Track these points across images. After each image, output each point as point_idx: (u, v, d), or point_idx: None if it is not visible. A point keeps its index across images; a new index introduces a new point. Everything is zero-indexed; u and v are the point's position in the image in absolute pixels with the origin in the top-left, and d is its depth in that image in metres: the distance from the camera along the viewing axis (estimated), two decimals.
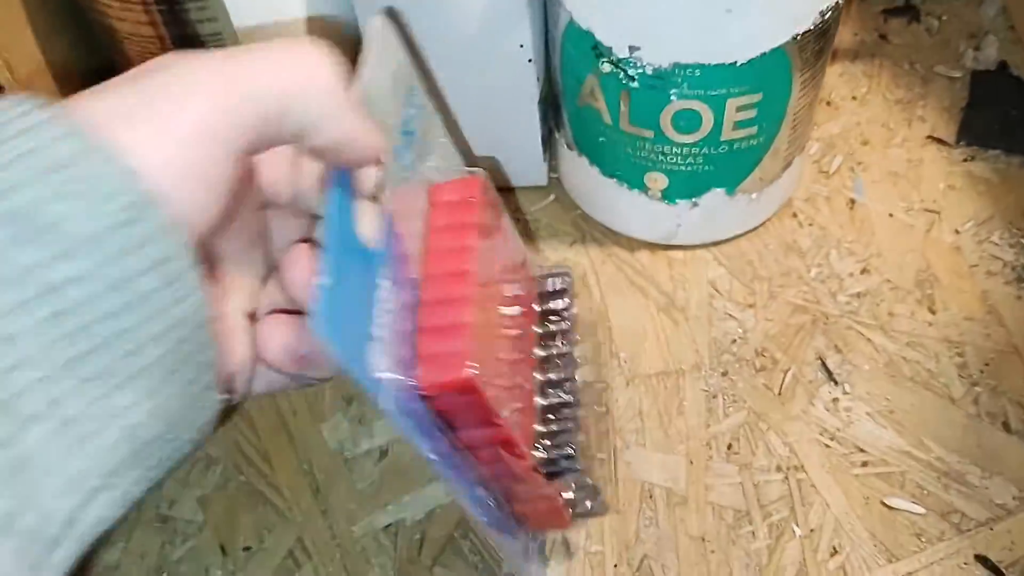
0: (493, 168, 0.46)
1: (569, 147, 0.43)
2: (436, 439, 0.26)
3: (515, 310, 0.31)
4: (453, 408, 0.26)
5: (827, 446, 0.38)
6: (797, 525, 0.36)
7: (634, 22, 0.35)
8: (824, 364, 0.40)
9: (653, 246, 0.44)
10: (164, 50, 0.31)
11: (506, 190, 0.47)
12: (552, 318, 0.34)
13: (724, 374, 0.40)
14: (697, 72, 0.35)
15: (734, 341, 0.41)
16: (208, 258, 0.24)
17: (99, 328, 0.17)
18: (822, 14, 0.35)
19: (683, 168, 0.39)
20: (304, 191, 0.25)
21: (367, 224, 0.24)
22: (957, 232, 0.44)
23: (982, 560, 0.35)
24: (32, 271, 0.16)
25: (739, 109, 0.37)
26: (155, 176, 0.18)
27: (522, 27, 0.39)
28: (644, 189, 0.41)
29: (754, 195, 0.41)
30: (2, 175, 0.16)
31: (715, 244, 0.44)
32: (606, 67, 0.36)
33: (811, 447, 0.38)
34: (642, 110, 0.37)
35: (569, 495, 0.31)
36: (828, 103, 0.49)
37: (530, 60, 0.40)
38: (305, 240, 0.25)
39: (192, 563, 0.37)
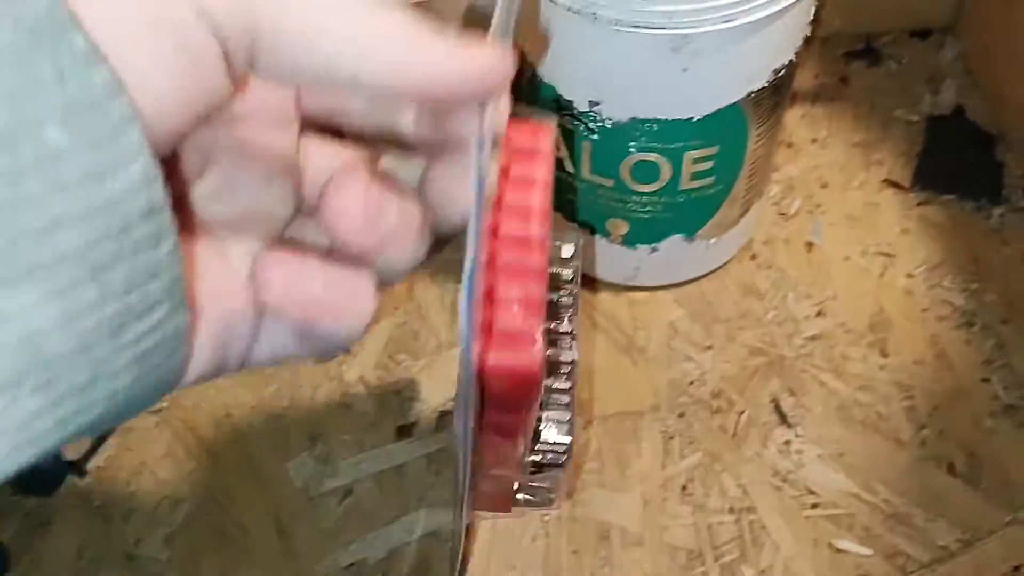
0: None
1: None
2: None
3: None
4: (501, 389, 0.24)
5: (779, 488, 0.39)
6: (748, 566, 0.37)
7: (594, 78, 0.36)
8: (778, 406, 0.41)
9: (615, 287, 0.45)
10: None
11: None
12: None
13: (681, 415, 0.41)
14: (655, 127, 0.36)
15: (692, 383, 0.42)
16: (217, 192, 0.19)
17: None
18: (775, 72, 0.36)
19: (643, 215, 0.40)
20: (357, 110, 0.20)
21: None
22: (910, 276, 0.45)
23: None
24: None
25: (696, 161, 0.38)
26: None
27: None
28: (606, 234, 0.42)
29: (712, 240, 0.43)
30: None
31: (675, 285, 0.45)
32: (567, 120, 0.37)
33: (763, 489, 0.39)
34: (602, 160, 0.38)
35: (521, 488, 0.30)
36: (789, 145, 0.51)
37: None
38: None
39: None
